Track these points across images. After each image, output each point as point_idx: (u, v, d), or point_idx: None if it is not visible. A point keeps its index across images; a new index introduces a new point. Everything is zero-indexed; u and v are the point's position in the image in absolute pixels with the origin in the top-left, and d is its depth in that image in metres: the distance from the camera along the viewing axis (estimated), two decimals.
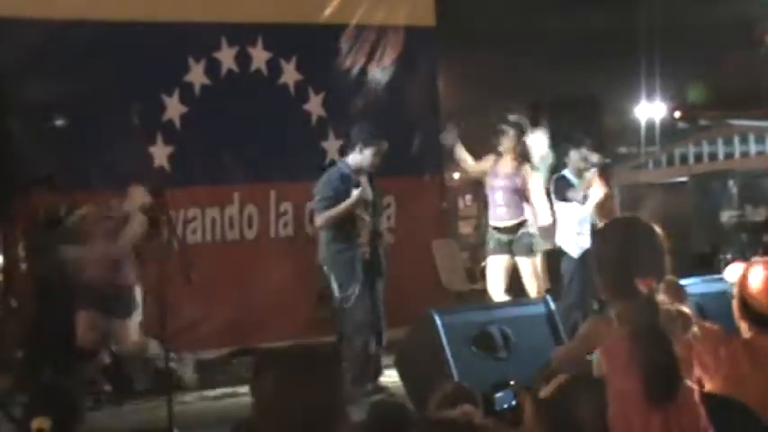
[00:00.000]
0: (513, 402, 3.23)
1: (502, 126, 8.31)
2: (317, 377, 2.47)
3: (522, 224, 8.25)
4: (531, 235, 8.24)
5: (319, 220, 7.80)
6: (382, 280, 7.76)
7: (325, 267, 7.71)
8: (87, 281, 7.62)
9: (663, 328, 3.26)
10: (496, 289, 8.22)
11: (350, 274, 7.58)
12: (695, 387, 3.33)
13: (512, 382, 3.28)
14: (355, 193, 7.58)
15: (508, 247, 8.21)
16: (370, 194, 7.73)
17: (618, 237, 3.51)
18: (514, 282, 8.28)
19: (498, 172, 8.28)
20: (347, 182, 7.69)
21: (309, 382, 2.45)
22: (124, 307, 7.65)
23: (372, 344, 7.60)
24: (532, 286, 8.18)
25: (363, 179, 7.72)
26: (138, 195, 7.68)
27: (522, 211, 8.26)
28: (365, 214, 7.68)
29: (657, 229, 3.45)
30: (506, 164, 8.28)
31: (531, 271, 8.21)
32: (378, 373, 7.68)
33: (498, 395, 3.23)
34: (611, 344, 3.32)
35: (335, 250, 7.66)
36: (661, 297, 3.36)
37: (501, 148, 8.28)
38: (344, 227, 7.63)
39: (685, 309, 3.46)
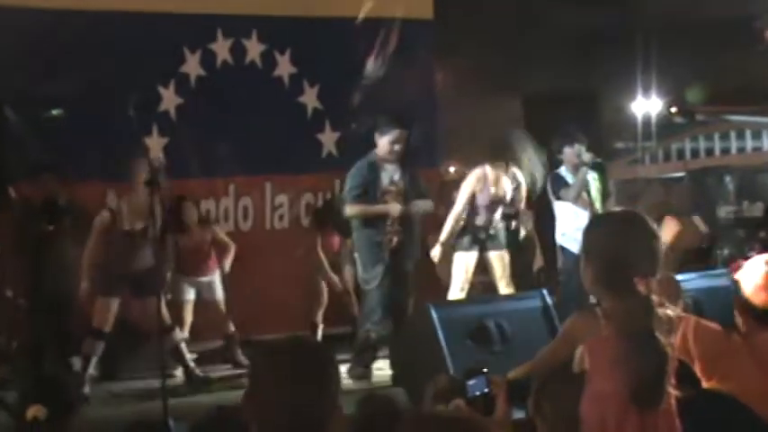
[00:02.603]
0: (486, 390, 3.17)
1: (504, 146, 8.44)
2: (308, 370, 2.46)
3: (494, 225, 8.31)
4: (503, 230, 8.33)
5: (347, 210, 7.95)
6: (412, 270, 7.90)
7: (354, 252, 8.03)
8: (107, 267, 7.63)
9: (655, 330, 3.19)
10: (460, 286, 8.20)
11: (374, 258, 7.77)
12: (673, 392, 3.25)
13: (484, 370, 3.23)
14: (396, 206, 7.73)
15: (482, 244, 8.23)
16: (399, 183, 7.84)
17: (615, 231, 3.39)
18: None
19: (490, 188, 8.24)
20: (375, 171, 7.84)
21: (301, 375, 2.44)
22: (149, 287, 7.53)
23: (379, 332, 7.70)
24: (501, 278, 8.24)
25: (393, 167, 7.84)
26: (142, 169, 7.66)
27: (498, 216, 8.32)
28: (396, 202, 7.78)
29: (653, 225, 3.36)
30: (498, 177, 8.27)
31: (501, 264, 8.26)
32: (369, 362, 7.81)
33: (470, 382, 3.19)
34: (595, 341, 3.24)
35: (363, 235, 7.86)
36: (654, 297, 3.30)
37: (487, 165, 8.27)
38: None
39: (670, 311, 3.37)
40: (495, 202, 8.25)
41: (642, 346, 3.16)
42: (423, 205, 7.98)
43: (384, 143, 7.82)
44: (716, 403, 3.65)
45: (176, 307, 8.33)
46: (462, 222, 8.24)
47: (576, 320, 3.40)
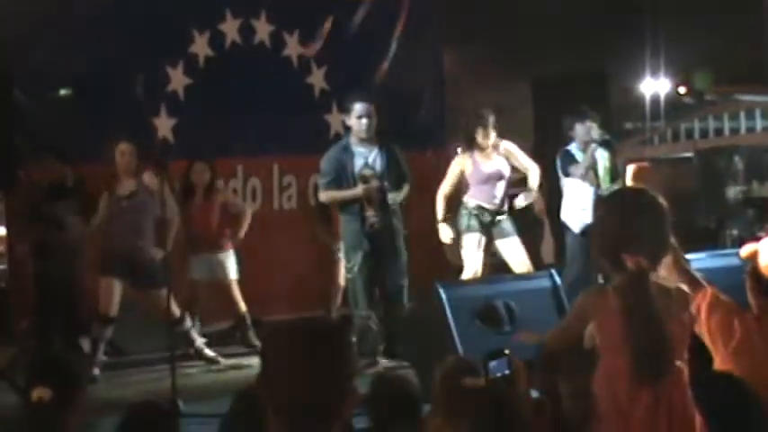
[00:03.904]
0: (507, 371, 3.21)
1: (478, 120, 8.04)
2: (322, 350, 2.45)
3: (503, 212, 8.07)
4: (508, 218, 8.08)
5: (322, 196, 7.87)
6: (399, 251, 7.73)
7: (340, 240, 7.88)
8: (112, 250, 7.65)
9: (656, 304, 3.19)
10: (474, 270, 7.98)
11: (354, 245, 7.63)
12: (685, 367, 3.26)
13: (506, 351, 3.25)
14: (358, 189, 7.58)
15: (486, 229, 8.02)
16: (375, 165, 7.68)
17: (616, 208, 3.42)
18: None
19: (479, 163, 8.02)
20: (346, 155, 7.68)
21: (315, 355, 2.43)
22: (150, 278, 7.60)
23: (370, 317, 7.59)
24: (520, 268, 7.98)
25: (367, 149, 7.67)
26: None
27: (503, 200, 8.09)
28: (374, 185, 7.60)
29: (662, 203, 3.34)
30: (486, 154, 8.05)
31: (515, 252, 8.04)
32: (376, 348, 7.66)
33: (493, 363, 3.22)
34: (605, 318, 3.26)
35: (343, 221, 7.76)
36: (662, 272, 3.30)
37: (480, 141, 8.00)
38: (350, 201, 7.67)
39: (685, 286, 3.40)
40: (491, 178, 8.03)
41: (640, 320, 3.16)
42: (393, 197, 7.71)
43: (353, 120, 7.67)
44: (718, 384, 3.64)
45: (188, 286, 8.29)
46: (466, 206, 8.08)
47: (587, 298, 3.41)
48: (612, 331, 3.21)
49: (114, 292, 7.62)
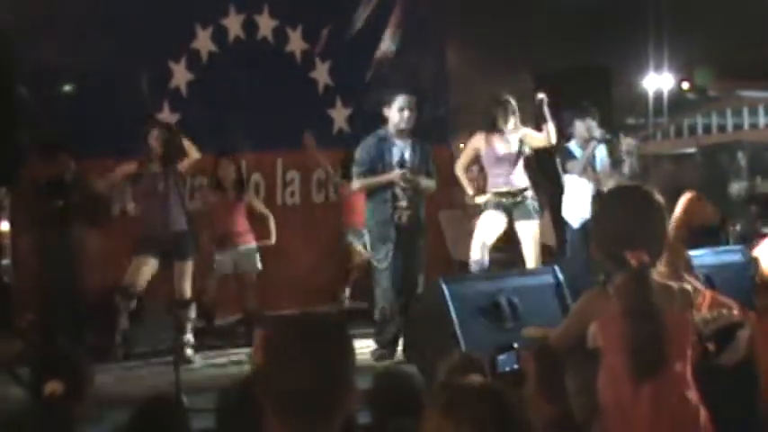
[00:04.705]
0: (516, 366, 3.23)
1: (499, 104, 8.11)
2: (322, 344, 2.45)
3: (524, 190, 8.11)
4: (532, 199, 8.11)
5: (355, 183, 7.84)
6: (423, 246, 7.76)
7: (365, 230, 7.84)
8: (151, 229, 7.72)
9: (656, 301, 3.19)
10: (483, 240, 8.00)
11: (383, 236, 7.63)
12: (688, 364, 3.27)
13: (515, 345, 3.26)
14: (393, 173, 7.58)
15: (508, 211, 8.07)
16: (409, 160, 7.69)
17: (614, 206, 3.43)
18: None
19: (495, 145, 8.09)
20: (384, 146, 7.67)
21: (315, 350, 2.43)
22: (182, 250, 7.72)
23: (395, 309, 7.61)
24: (530, 251, 8.05)
25: (403, 143, 7.69)
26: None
27: (523, 178, 8.14)
28: (409, 174, 7.63)
29: (659, 200, 3.35)
30: (503, 137, 8.10)
31: (531, 235, 8.06)
32: (397, 339, 7.67)
33: (501, 357, 3.23)
34: (606, 318, 3.27)
35: (371, 213, 7.74)
36: (662, 269, 3.30)
37: (500, 124, 8.06)
38: (381, 191, 7.66)
39: (688, 285, 3.39)
40: (504, 159, 8.05)
41: (637, 317, 3.17)
42: (425, 182, 7.75)
43: (394, 112, 7.64)
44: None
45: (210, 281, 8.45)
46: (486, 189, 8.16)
47: (588, 298, 3.42)
48: (614, 332, 3.22)
49: (145, 269, 7.75)
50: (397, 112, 7.64)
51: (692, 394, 3.24)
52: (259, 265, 8.48)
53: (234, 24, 9.24)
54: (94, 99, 8.26)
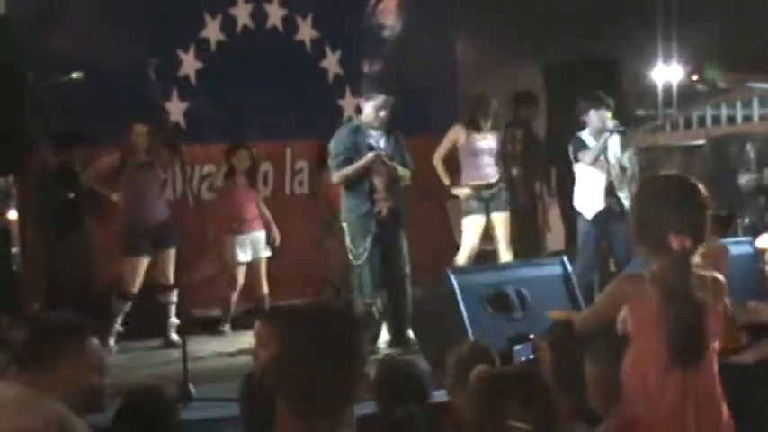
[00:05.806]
0: (532, 356, 3.22)
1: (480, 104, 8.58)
2: (336, 336, 2.45)
3: (498, 182, 8.60)
4: (503, 189, 8.62)
5: (334, 177, 7.72)
6: (403, 238, 7.67)
7: (343, 223, 7.68)
8: (139, 229, 7.89)
9: (695, 288, 3.18)
10: (469, 252, 8.50)
11: (363, 229, 7.51)
12: (715, 357, 3.27)
13: (531, 336, 3.26)
14: (369, 155, 7.51)
15: (486, 203, 8.49)
16: (384, 149, 7.60)
17: (656, 191, 3.40)
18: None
19: (472, 138, 8.50)
20: (358, 135, 7.58)
21: (329, 342, 2.43)
22: (166, 240, 7.94)
23: (377, 306, 7.55)
24: (504, 241, 8.53)
25: (378, 133, 7.61)
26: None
27: (495, 172, 8.61)
28: (382, 170, 7.54)
29: (701, 189, 3.33)
30: (479, 132, 8.52)
31: (504, 225, 8.54)
32: (376, 336, 7.66)
33: (517, 348, 3.24)
34: (640, 303, 3.24)
35: (350, 206, 7.60)
36: (697, 260, 3.28)
37: (480, 122, 8.53)
38: (359, 183, 7.56)
39: (721, 276, 3.37)
40: (482, 152, 8.46)
41: (677, 304, 3.16)
42: (402, 170, 7.65)
43: (369, 109, 7.57)
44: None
45: (229, 268, 8.56)
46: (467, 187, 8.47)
47: (622, 283, 3.43)
48: (647, 316, 3.21)
49: (140, 271, 7.90)
50: (372, 110, 7.57)
51: (718, 386, 3.24)
52: (267, 252, 8.62)
53: (242, 13, 9.22)
54: (103, 88, 8.24)
